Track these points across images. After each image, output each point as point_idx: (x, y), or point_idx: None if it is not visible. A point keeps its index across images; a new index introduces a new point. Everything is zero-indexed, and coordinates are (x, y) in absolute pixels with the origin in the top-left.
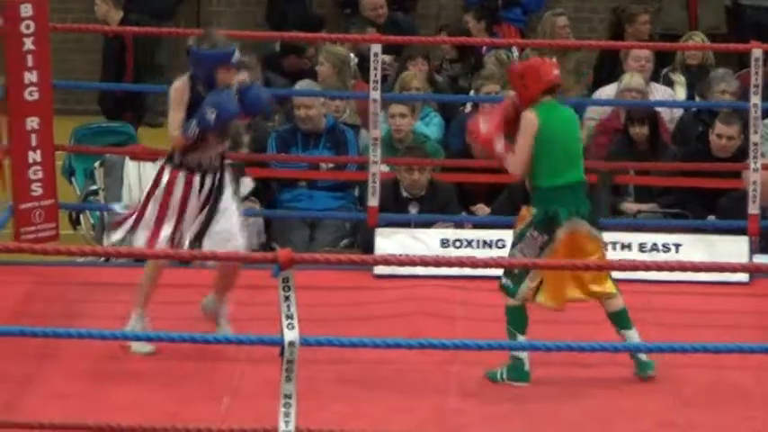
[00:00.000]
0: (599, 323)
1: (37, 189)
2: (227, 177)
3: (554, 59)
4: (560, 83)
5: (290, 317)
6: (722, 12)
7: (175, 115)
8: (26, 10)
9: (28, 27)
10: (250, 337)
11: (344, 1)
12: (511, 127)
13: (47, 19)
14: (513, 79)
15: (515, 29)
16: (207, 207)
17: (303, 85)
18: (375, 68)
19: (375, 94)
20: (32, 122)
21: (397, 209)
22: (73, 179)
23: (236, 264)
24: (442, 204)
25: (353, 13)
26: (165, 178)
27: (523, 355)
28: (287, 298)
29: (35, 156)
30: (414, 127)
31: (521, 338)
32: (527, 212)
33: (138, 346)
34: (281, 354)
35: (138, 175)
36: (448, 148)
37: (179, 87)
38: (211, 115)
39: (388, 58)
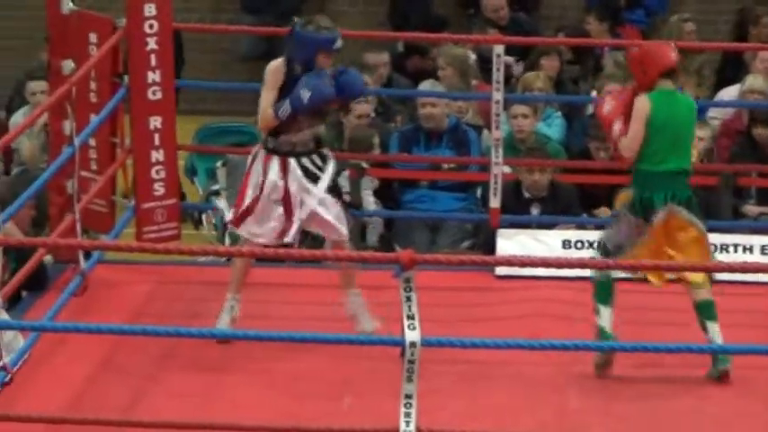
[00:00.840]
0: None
1: (159, 189)
2: (329, 162)
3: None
4: (677, 66)
5: (411, 317)
6: None
7: (268, 94)
8: (150, 10)
9: (151, 27)
10: (371, 338)
11: (467, 1)
12: (628, 112)
13: (170, 19)
14: (632, 65)
15: (637, 30)
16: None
17: (426, 85)
18: (497, 69)
19: (497, 95)
20: (155, 122)
21: (518, 210)
22: (195, 179)
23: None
24: (564, 206)
25: (476, 13)
26: (260, 164)
27: (605, 322)
28: (408, 298)
29: (158, 155)
30: (536, 128)
31: (603, 309)
32: (624, 196)
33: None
34: (402, 354)
35: None
36: (570, 150)
37: (275, 68)
38: (306, 94)
39: (510, 58)
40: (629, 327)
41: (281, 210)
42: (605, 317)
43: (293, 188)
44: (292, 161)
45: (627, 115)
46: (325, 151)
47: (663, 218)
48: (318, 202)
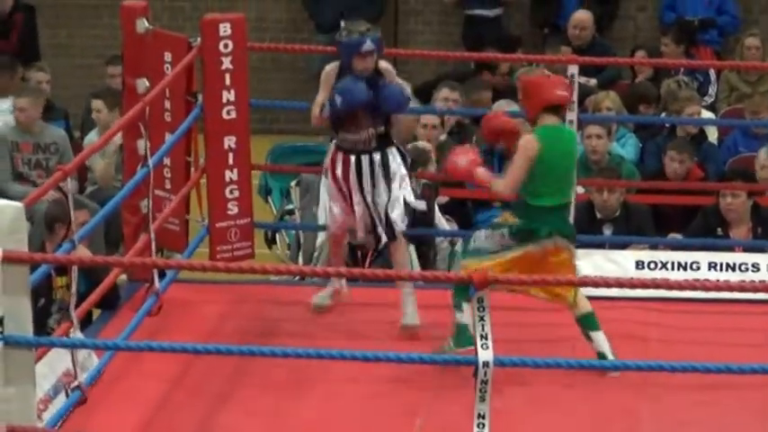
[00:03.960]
0: None
1: (233, 208)
2: (391, 159)
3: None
4: (565, 102)
5: (484, 337)
6: None
7: (318, 96)
8: (225, 29)
9: (226, 46)
10: (445, 357)
11: (543, 21)
12: (510, 141)
13: (245, 38)
14: (521, 93)
15: (711, 51)
16: (371, 191)
17: (501, 104)
18: (572, 89)
19: (571, 115)
20: (230, 141)
21: (591, 230)
22: (269, 198)
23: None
24: (637, 226)
25: (551, 32)
26: (329, 157)
27: (466, 319)
28: (481, 318)
29: (232, 174)
30: (610, 148)
31: (465, 306)
32: (510, 217)
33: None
34: (475, 374)
35: None
36: (644, 170)
37: (328, 71)
38: (338, 99)
39: (584, 79)
40: (698, 347)
41: (343, 203)
42: (468, 314)
43: (353, 183)
44: (352, 158)
45: (504, 138)
46: (392, 151)
47: (542, 249)
48: (377, 198)
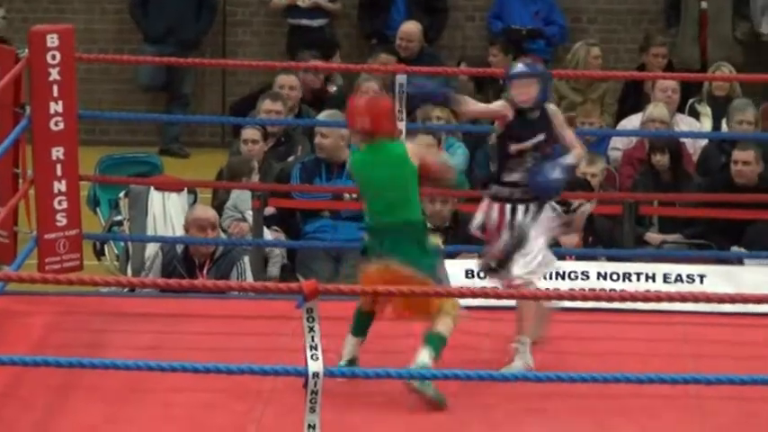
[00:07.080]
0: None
1: (61, 219)
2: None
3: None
4: (363, 131)
5: (314, 348)
6: (733, 44)
7: None
8: (52, 40)
9: (54, 57)
10: (275, 368)
11: (371, 32)
12: None
13: (73, 49)
14: None
15: (539, 60)
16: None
17: (328, 114)
18: (400, 99)
19: (400, 125)
20: (57, 152)
21: None
22: (97, 209)
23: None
24: (467, 235)
25: (379, 43)
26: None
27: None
28: (311, 329)
29: (60, 186)
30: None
31: (349, 337)
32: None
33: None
34: (305, 385)
35: (163, 206)
36: (473, 179)
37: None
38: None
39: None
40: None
41: None
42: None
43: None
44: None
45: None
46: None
47: (375, 267)
48: None
